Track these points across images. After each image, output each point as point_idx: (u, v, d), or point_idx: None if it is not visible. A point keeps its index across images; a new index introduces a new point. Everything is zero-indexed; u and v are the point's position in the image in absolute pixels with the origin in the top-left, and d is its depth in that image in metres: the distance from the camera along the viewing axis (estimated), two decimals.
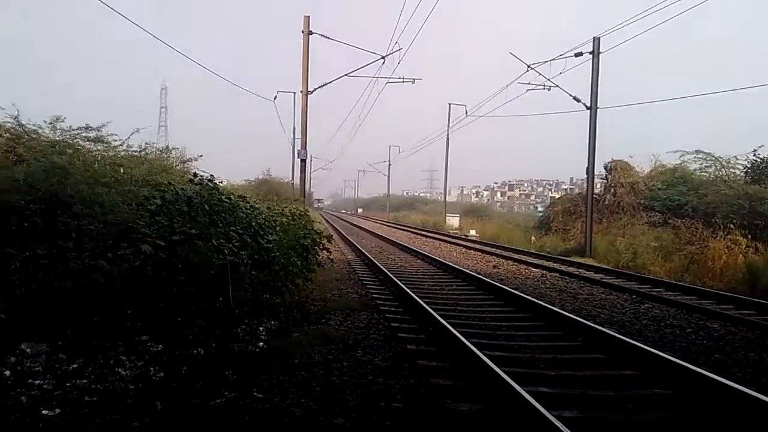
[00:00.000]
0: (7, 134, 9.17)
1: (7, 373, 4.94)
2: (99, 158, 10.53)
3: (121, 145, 11.89)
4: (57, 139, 9.93)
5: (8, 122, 9.37)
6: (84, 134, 10.86)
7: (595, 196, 25.89)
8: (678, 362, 5.67)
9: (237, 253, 7.62)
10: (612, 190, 28.24)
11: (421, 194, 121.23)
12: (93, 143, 11.03)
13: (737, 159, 24.45)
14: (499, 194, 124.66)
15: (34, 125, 9.73)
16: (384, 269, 13.04)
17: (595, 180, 25.96)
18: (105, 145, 11.33)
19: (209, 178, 9.10)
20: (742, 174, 24.27)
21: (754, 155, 23.75)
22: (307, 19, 23.41)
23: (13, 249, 6.02)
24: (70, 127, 10.43)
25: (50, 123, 10.02)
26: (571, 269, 16.56)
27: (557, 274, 15.19)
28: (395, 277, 11.80)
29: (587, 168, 23.22)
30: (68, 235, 6.64)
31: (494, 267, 16.58)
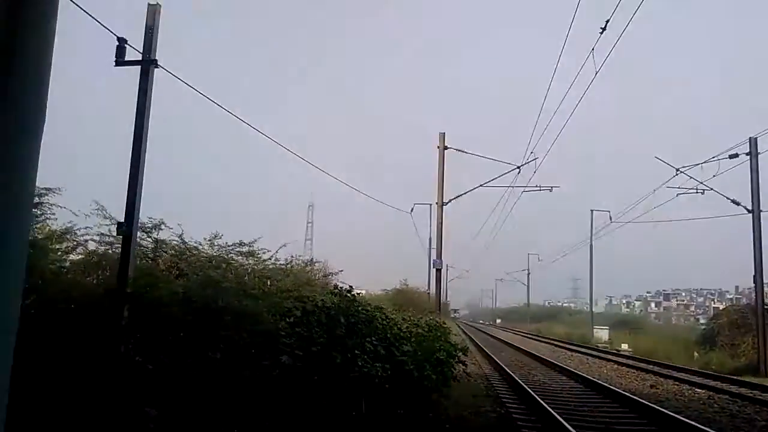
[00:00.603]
0: (172, 251, 10.16)
1: None
2: (249, 271, 11.25)
3: (269, 258, 12.65)
4: (214, 254, 10.80)
5: (174, 240, 10.42)
6: (237, 249, 11.70)
7: (766, 307, 23.02)
8: None
9: (372, 365, 7.58)
10: None
11: (564, 304, 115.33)
12: (245, 257, 11.84)
13: None
14: (653, 305, 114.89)
15: (195, 242, 10.71)
16: (525, 386, 12.24)
17: (766, 289, 23.23)
18: (255, 259, 12.11)
19: (347, 289, 9.35)
20: None
21: None
22: (443, 135, 24.41)
23: (167, 358, 6.45)
24: (226, 243, 11.33)
25: (209, 240, 10.98)
26: (744, 390, 14.50)
27: (727, 396, 13.37)
28: (538, 395, 11.00)
29: (754, 276, 20.97)
30: (217, 346, 7.02)
31: (651, 387, 14.96)
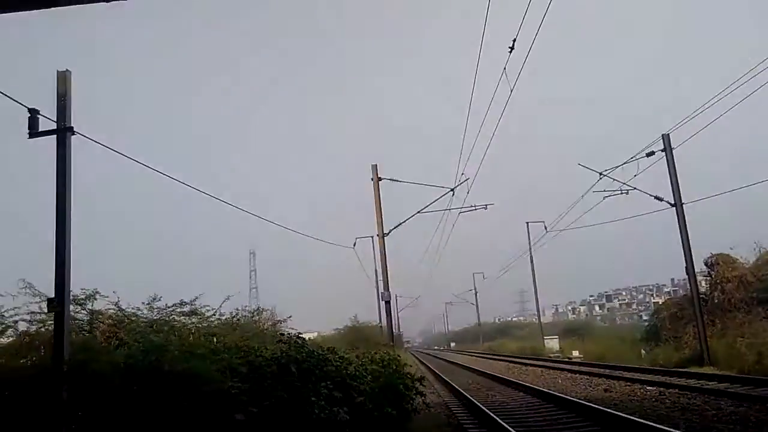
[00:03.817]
0: (109, 320, 9.77)
1: None
2: (193, 331, 10.93)
3: (213, 314, 12.35)
4: (154, 318, 10.47)
5: (110, 309, 10.03)
6: (179, 309, 11.38)
7: (701, 295, 24.13)
8: None
9: (330, 409, 7.49)
10: (719, 286, 26.23)
11: (513, 319, 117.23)
12: (187, 317, 11.52)
13: None
14: (597, 307, 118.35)
15: (133, 309, 10.35)
16: (484, 408, 12.30)
17: (698, 278, 24.38)
18: (198, 317, 11.80)
19: (296, 335, 9.26)
20: None
21: None
22: (375, 167, 24.69)
23: None
24: (166, 304, 11.00)
25: (147, 304, 10.64)
26: (691, 382, 15.11)
27: (677, 390, 13.87)
28: (497, 416, 11.07)
29: (686, 267, 22.00)
30: (167, 412, 6.76)
31: (605, 391, 15.35)
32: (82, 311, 9.56)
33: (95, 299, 9.67)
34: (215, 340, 10.83)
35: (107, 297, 9.99)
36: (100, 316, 9.76)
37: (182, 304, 11.40)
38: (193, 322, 11.62)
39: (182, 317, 11.41)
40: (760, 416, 9.55)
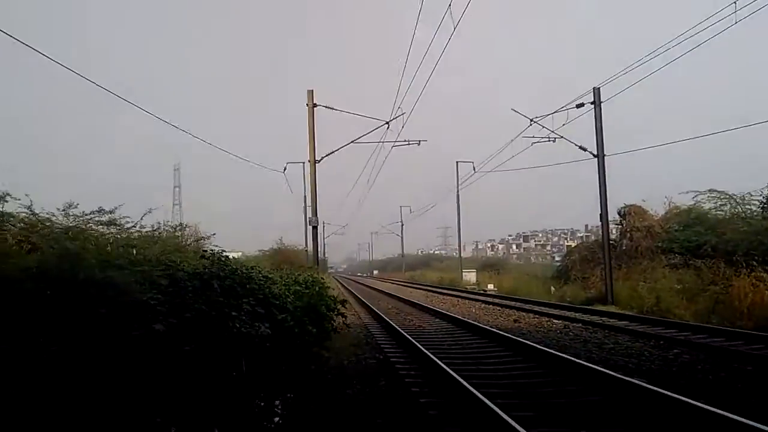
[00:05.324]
0: (21, 224, 9.29)
1: None
2: (112, 241, 10.62)
3: (134, 226, 12.01)
4: (70, 225, 10.05)
5: (22, 212, 9.53)
6: (97, 218, 10.96)
7: (611, 242, 25.59)
8: (710, 410, 5.45)
9: (251, 324, 7.56)
10: (628, 234, 27.95)
11: (436, 252, 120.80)
12: (106, 227, 11.15)
13: (751, 195, 24.00)
14: (514, 246, 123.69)
15: (47, 213, 9.88)
16: (401, 331, 12.81)
17: (611, 226, 25.79)
18: (118, 227, 11.45)
19: (219, 252, 9.17)
20: (758, 210, 23.80)
21: None
22: (311, 92, 24.14)
23: (22, 338, 5.98)
24: (83, 212, 10.56)
25: (63, 210, 10.18)
26: (594, 318, 16.20)
27: (580, 325, 14.85)
28: (413, 338, 11.56)
29: (600, 215, 23.14)
30: (83, 320, 6.61)
31: (515, 321, 16.26)
32: None
33: (5, 201, 9.14)
34: (134, 251, 10.58)
35: (19, 200, 9.47)
36: (11, 219, 9.27)
37: (101, 212, 10.98)
38: (112, 233, 11.27)
39: (100, 227, 11.04)
40: (653, 351, 10.41)
